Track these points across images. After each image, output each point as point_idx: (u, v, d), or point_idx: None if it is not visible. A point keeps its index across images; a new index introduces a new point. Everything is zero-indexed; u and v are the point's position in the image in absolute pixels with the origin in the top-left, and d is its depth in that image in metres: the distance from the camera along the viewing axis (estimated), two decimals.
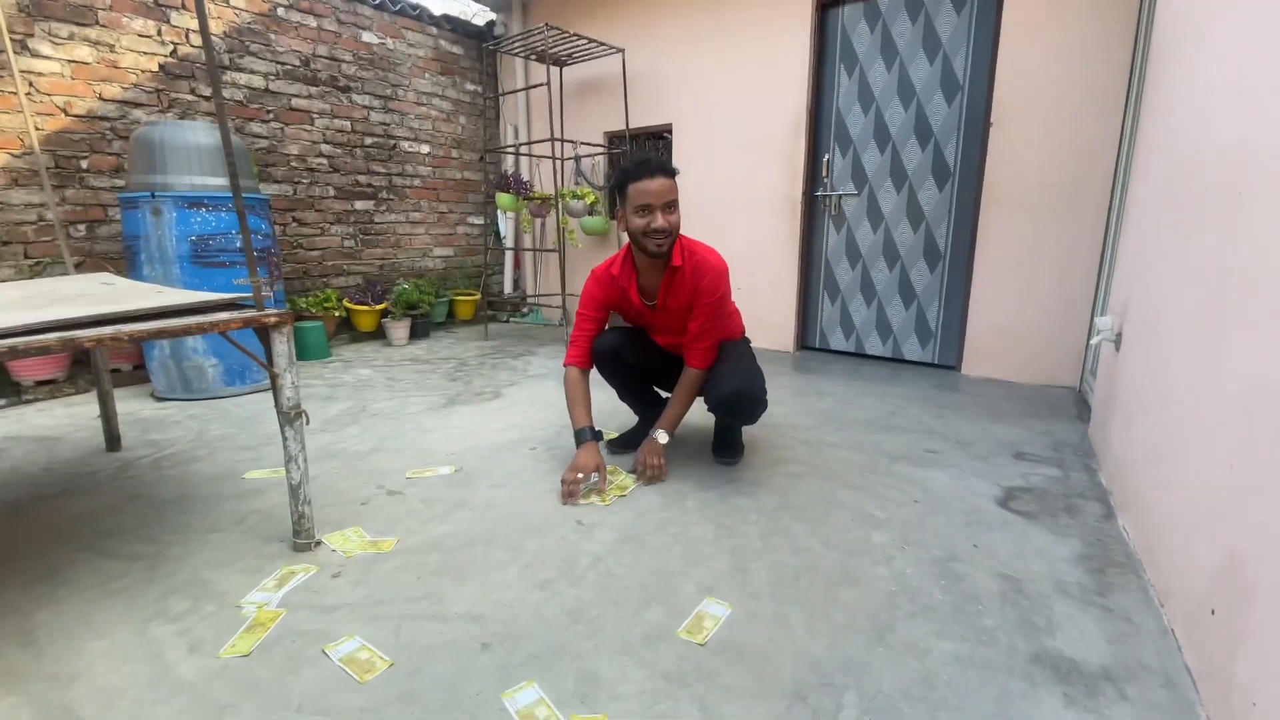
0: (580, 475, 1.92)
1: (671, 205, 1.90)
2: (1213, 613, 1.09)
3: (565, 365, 2.14)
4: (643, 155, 1.85)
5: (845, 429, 2.58)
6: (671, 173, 1.92)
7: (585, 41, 4.24)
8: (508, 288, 5.59)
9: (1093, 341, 2.28)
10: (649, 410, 2.33)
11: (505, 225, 5.38)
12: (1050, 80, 3.04)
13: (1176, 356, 1.46)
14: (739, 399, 2.00)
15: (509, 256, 5.55)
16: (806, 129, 3.84)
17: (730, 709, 1.09)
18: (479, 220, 5.42)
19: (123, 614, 1.35)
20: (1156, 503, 1.49)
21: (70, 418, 2.75)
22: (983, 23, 3.24)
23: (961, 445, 2.39)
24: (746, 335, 2.31)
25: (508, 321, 5.46)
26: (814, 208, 4.00)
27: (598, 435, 2.08)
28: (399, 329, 4.41)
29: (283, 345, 1.52)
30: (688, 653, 1.23)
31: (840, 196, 3.87)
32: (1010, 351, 3.37)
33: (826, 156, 3.86)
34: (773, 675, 1.17)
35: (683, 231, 2.01)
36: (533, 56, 4.62)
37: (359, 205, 4.54)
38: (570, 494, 1.89)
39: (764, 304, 4.14)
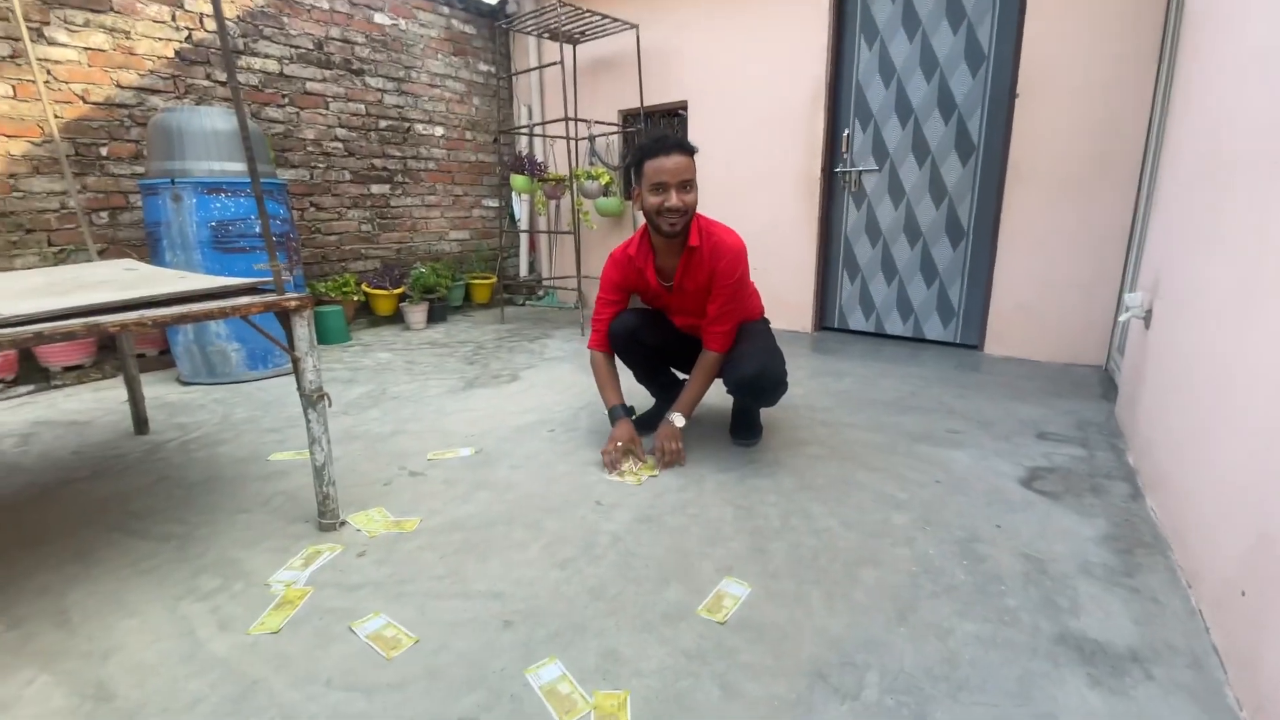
0: (620, 444, 1.98)
1: (687, 184, 1.87)
2: (1243, 594, 1.07)
3: (590, 349, 2.17)
4: (659, 132, 1.84)
5: (865, 410, 2.56)
6: (689, 150, 1.89)
7: (598, 18, 4.17)
8: (523, 270, 5.59)
9: (1121, 318, 2.23)
10: (666, 393, 2.33)
11: (520, 207, 5.36)
12: (1079, 50, 2.94)
13: (1208, 334, 1.42)
14: (760, 380, 1.99)
15: (524, 239, 5.54)
16: (825, 103, 3.76)
17: (751, 686, 1.09)
18: (494, 203, 5.41)
19: (154, 593, 1.39)
20: (1186, 483, 1.46)
21: (98, 402, 2.81)
22: None
23: (984, 425, 2.36)
24: (765, 316, 2.28)
25: (524, 305, 5.46)
26: (833, 184, 3.93)
27: (630, 411, 2.12)
28: (417, 313, 4.43)
29: (303, 329, 1.54)
30: (708, 631, 1.24)
31: (860, 172, 3.80)
32: (1034, 330, 3.30)
33: (846, 131, 3.78)
34: (793, 654, 1.17)
35: (699, 210, 1.98)
36: (545, 35, 4.56)
37: (375, 189, 4.55)
38: (613, 464, 1.95)
39: (782, 283, 4.09)
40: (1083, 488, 1.84)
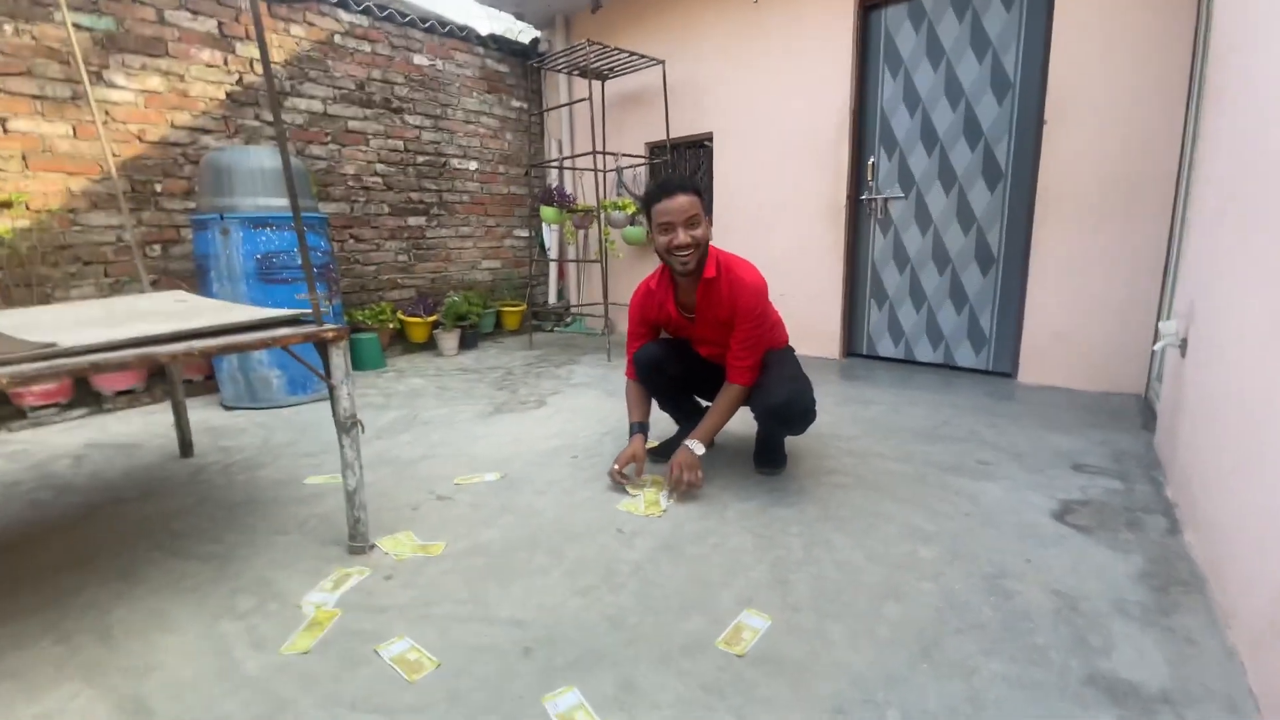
0: (616, 466, 2.06)
1: (694, 220, 1.92)
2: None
3: (626, 378, 2.27)
4: (664, 177, 1.90)
5: (893, 438, 2.53)
6: (692, 189, 1.94)
7: (626, 55, 4.29)
8: (552, 298, 5.69)
9: (1156, 347, 2.18)
10: (689, 420, 2.34)
11: (549, 237, 5.48)
12: (1107, 76, 2.92)
13: (1245, 362, 1.38)
14: (788, 407, 1.99)
15: (553, 268, 5.65)
16: (850, 132, 3.79)
17: None
18: (524, 233, 5.54)
19: (193, 611, 1.44)
20: (1223, 517, 1.41)
21: (147, 426, 2.94)
22: (1034, 19, 3.15)
23: (1016, 456, 2.31)
24: (790, 345, 2.29)
25: (552, 331, 5.55)
26: (859, 211, 3.94)
27: (644, 428, 2.17)
28: (449, 339, 4.54)
29: (339, 359, 1.60)
30: (726, 664, 1.23)
31: (886, 200, 3.80)
32: (1069, 357, 3.23)
33: (871, 159, 3.80)
34: (812, 689, 1.16)
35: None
36: (575, 72, 4.71)
37: (411, 221, 4.71)
38: (616, 480, 2.06)
39: (809, 311, 4.09)
40: (1118, 522, 1.79)
